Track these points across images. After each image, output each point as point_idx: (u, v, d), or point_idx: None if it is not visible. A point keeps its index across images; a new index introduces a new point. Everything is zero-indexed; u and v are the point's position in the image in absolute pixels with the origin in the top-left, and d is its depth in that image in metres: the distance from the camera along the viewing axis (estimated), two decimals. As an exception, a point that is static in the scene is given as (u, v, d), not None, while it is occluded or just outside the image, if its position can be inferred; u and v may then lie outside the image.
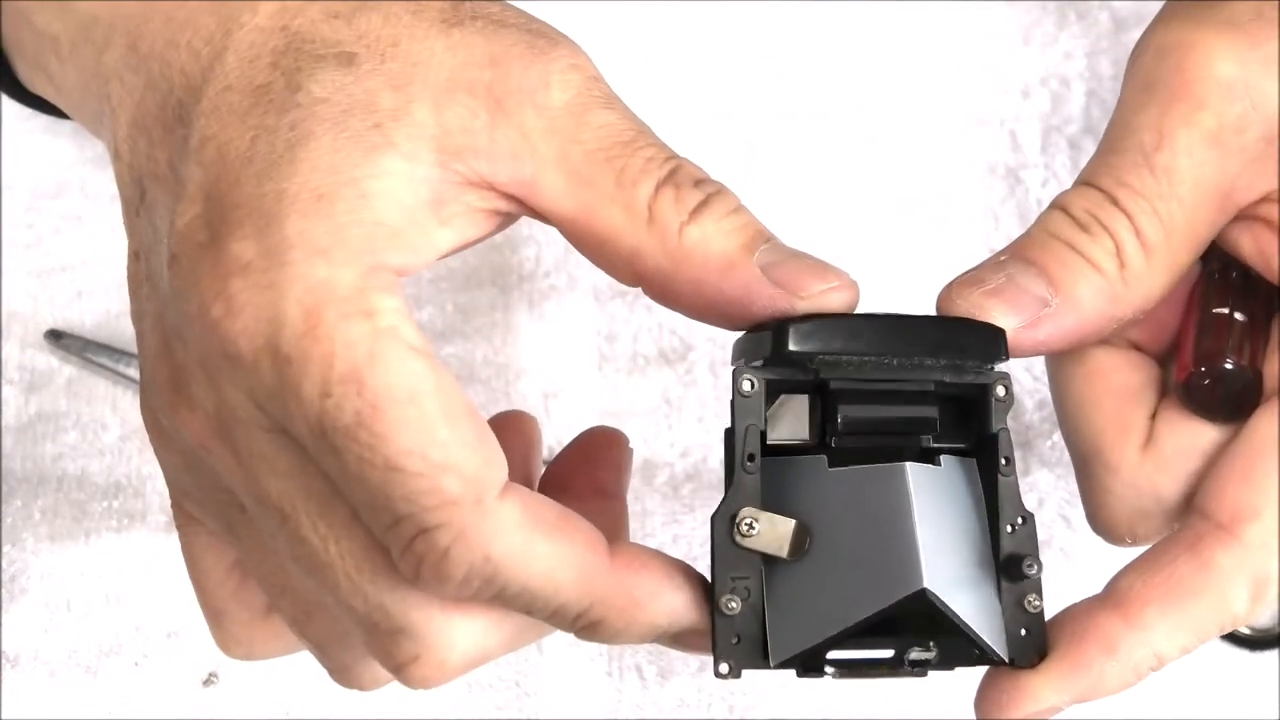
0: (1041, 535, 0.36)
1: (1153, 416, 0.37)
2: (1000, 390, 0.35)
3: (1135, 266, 0.35)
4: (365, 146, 0.32)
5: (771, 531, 0.33)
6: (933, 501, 0.34)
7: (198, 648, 0.51)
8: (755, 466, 0.34)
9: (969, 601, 0.34)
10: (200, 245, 0.31)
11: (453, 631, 0.33)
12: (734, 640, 0.34)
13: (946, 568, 0.33)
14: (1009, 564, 0.35)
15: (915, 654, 0.34)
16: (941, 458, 0.35)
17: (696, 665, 0.51)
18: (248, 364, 0.31)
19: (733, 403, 0.34)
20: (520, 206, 0.34)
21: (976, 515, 0.35)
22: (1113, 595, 0.35)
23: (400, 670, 0.34)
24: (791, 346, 0.33)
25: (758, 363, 0.34)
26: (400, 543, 0.31)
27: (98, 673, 0.51)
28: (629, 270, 0.34)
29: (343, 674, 0.37)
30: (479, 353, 0.54)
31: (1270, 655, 0.51)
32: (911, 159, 0.54)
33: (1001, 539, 0.35)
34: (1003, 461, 0.35)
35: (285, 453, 0.32)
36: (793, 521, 0.34)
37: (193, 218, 0.32)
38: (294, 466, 0.32)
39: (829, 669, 0.34)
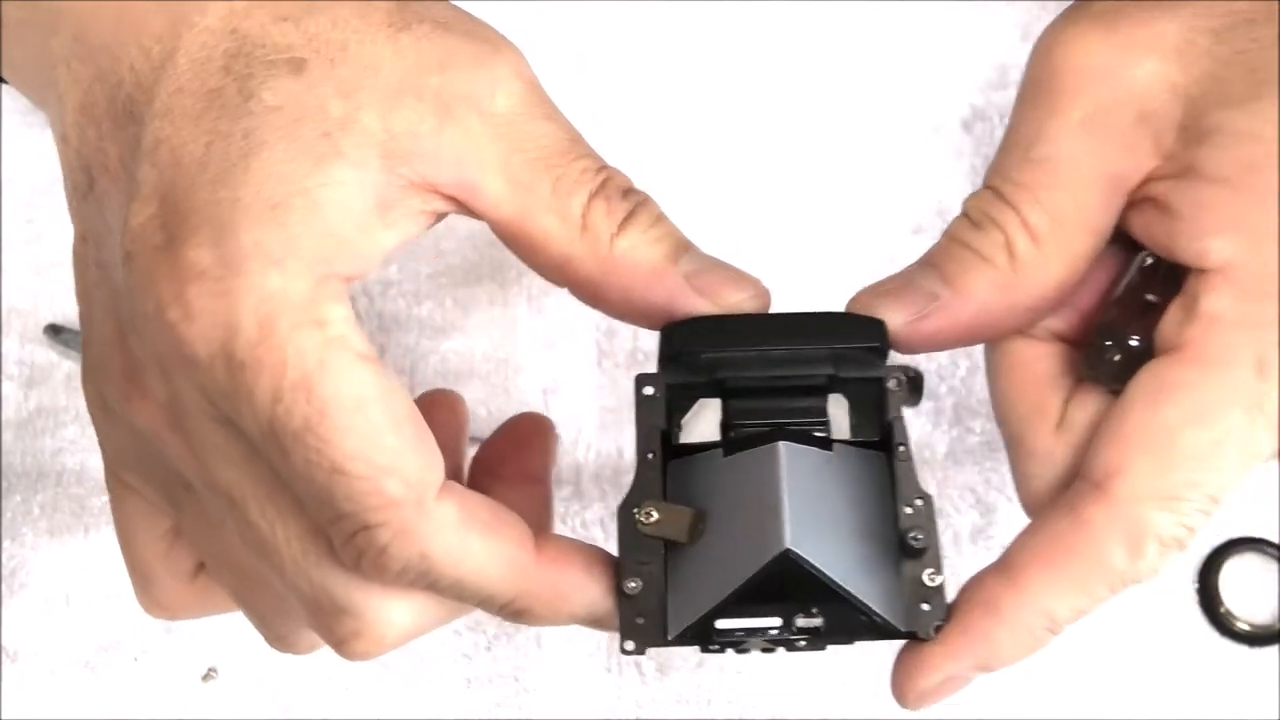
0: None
1: (1068, 400, 0.38)
2: (893, 382, 0.37)
3: (1026, 256, 0.36)
4: (315, 156, 0.33)
5: (669, 519, 0.36)
6: (813, 480, 0.36)
7: (196, 644, 0.51)
8: (655, 462, 0.36)
9: (864, 579, 0.35)
10: (156, 248, 0.32)
11: (391, 611, 0.35)
12: (638, 620, 0.36)
13: (825, 540, 0.35)
14: (904, 542, 0.36)
15: (801, 621, 0.35)
16: (836, 445, 0.37)
17: (695, 662, 0.51)
18: (203, 366, 0.32)
19: (636, 406, 0.37)
20: (459, 207, 0.35)
21: (880, 504, 0.37)
22: (1001, 561, 0.36)
23: (341, 644, 0.35)
24: (675, 347, 0.36)
25: (657, 369, 0.37)
26: (342, 536, 0.33)
27: (97, 668, 0.51)
28: (560, 274, 0.36)
29: (280, 641, 0.38)
30: (478, 348, 0.54)
31: (1269, 652, 0.51)
32: (912, 157, 0.54)
33: (900, 520, 0.36)
34: (899, 447, 0.36)
35: (235, 444, 0.33)
36: (689, 510, 0.36)
37: (147, 219, 0.33)
38: (243, 457, 0.33)
39: (720, 640, 0.35)
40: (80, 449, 0.53)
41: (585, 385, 0.53)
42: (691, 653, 0.50)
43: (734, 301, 0.36)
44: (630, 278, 0.35)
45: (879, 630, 0.35)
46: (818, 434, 0.37)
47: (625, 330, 0.53)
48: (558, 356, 0.53)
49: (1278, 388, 0.33)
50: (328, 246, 0.33)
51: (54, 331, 0.53)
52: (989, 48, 0.55)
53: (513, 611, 0.35)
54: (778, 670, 0.51)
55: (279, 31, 0.34)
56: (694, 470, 0.37)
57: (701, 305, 0.35)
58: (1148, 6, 0.36)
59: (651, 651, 0.48)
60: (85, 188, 0.35)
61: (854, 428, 0.38)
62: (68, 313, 0.54)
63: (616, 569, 0.36)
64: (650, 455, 0.36)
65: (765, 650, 0.36)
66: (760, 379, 0.37)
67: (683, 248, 0.36)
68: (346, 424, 0.32)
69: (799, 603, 0.35)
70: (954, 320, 0.37)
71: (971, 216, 0.37)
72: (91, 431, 0.49)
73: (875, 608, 0.35)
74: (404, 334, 0.54)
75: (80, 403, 0.53)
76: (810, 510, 0.35)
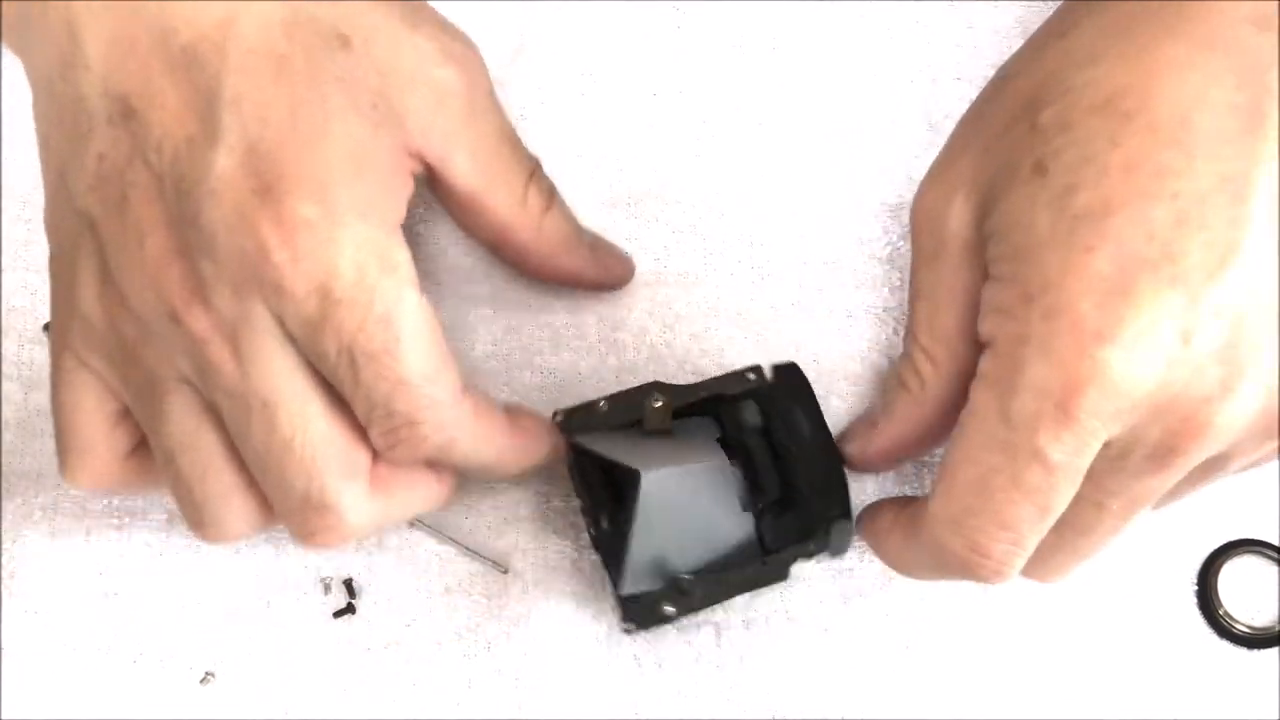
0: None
1: None
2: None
3: (928, 376, 0.45)
4: (372, 122, 0.41)
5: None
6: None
7: (195, 645, 0.51)
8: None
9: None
10: (254, 192, 0.39)
11: (367, 509, 0.43)
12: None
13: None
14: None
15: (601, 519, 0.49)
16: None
17: (692, 657, 0.51)
18: (298, 297, 0.39)
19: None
20: (429, 175, 0.44)
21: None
22: (868, 529, 0.48)
23: (311, 535, 0.43)
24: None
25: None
26: (388, 427, 0.42)
27: (96, 670, 0.51)
28: (498, 237, 0.47)
29: (207, 526, 0.44)
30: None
31: (1269, 654, 0.51)
32: (912, 155, 0.54)
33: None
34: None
35: (286, 359, 0.41)
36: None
37: (235, 165, 0.39)
38: (291, 370, 0.41)
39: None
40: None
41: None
42: (689, 648, 0.51)
43: (616, 269, 0.52)
44: (552, 245, 0.48)
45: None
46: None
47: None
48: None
49: (1025, 437, 0.39)
50: (391, 201, 0.42)
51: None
52: (992, 47, 0.55)
53: (491, 473, 0.46)
54: (777, 666, 0.51)
55: (323, 10, 0.41)
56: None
57: (596, 269, 0.50)
58: (956, 147, 0.44)
59: (649, 645, 0.49)
60: (119, 115, 0.40)
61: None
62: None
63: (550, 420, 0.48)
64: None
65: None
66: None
67: (580, 225, 0.50)
68: (412, 348, 0.40)
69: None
70: (890, 438, 0.47)
71: (900, 356, 0.46)
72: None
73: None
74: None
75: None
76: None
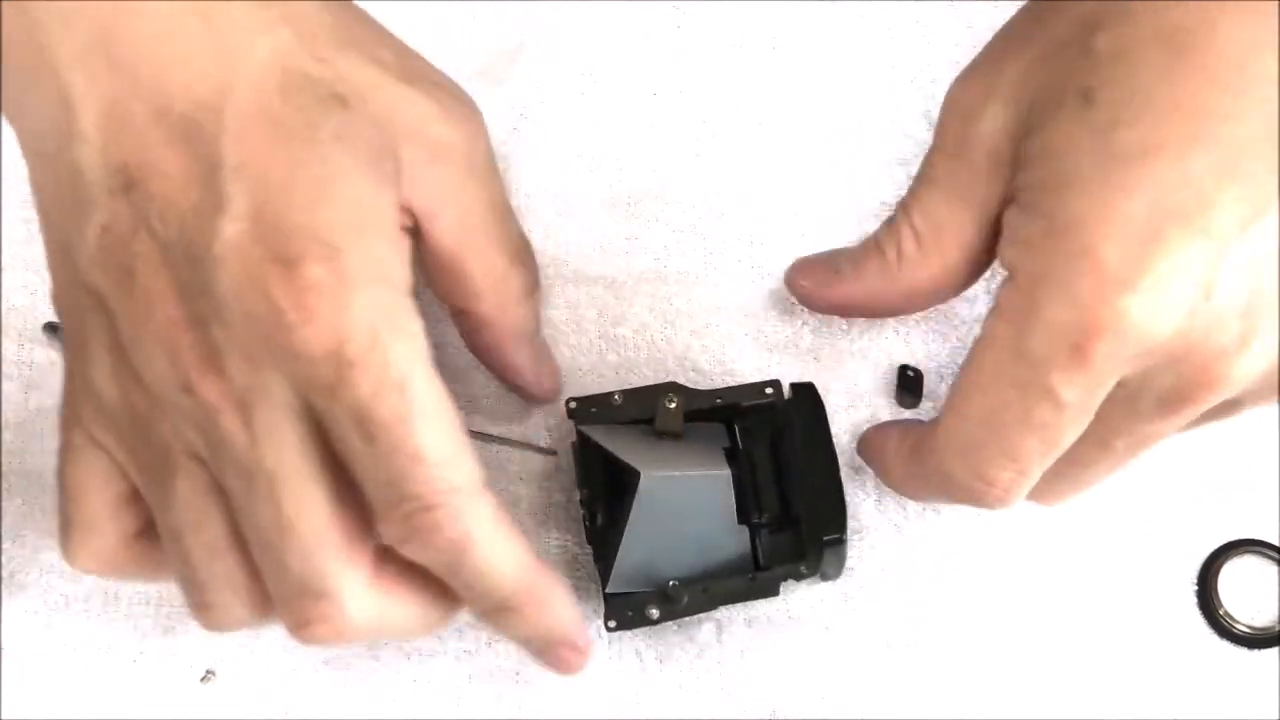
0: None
1: None
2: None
3: (908, 254, 0.45)
4: (374, 179, 0.40)
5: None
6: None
7: (195, 645, 0.51)
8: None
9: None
10: (263, 258, 0.38)
11: (366, 604, 0.40)
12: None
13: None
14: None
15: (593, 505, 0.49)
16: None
17: (694, 653, 0.51)
18: (312, 361, 0.38)
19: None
20: (415, 230, 0.43)
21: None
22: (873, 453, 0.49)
23: (305, 625, 0.40)
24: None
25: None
26: (400, 513, 0.39)
27: (96, 670, 0.51)
28: (462, 302, 0.46)
29: (209, 610, 0.42)
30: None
31: (1269, 654, 0.51)
32: (912, 155, 0.54)
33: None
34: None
35: (297, 433, 0.39)
36: None
37: (241, 232, 0.38)
38: (300, 445, 0.39)
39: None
40: (80, 449, 0.53)
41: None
42: (691, 644, 0.51)
43: (546, 387, 0.51)
44: (512, 332, 0.48)
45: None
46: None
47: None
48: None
49: (1038, 375, 0.39)
50: (399, 260, 0.40)
51: (52, 330, 0.53)
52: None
53: (501, 609, 0.41)
54: (777, 663, 0.51)
55: (318, 70, 0.40)
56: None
57: (533, 374, 0.50)
58: (1005, 50, 0.43)
59: (650, 640, 0.49)
60: (120, 187, 0.39)
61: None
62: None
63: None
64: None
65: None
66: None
67: (536, 328, 0.50)
68: (427, 423, 0.38)
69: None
70: (845, 294, 0.47)
71: (886, 221, 0.46)
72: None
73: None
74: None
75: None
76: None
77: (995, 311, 0.41)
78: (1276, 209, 0.38)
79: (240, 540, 0.41)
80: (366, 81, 0.41)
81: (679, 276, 0.53)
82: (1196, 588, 0.51)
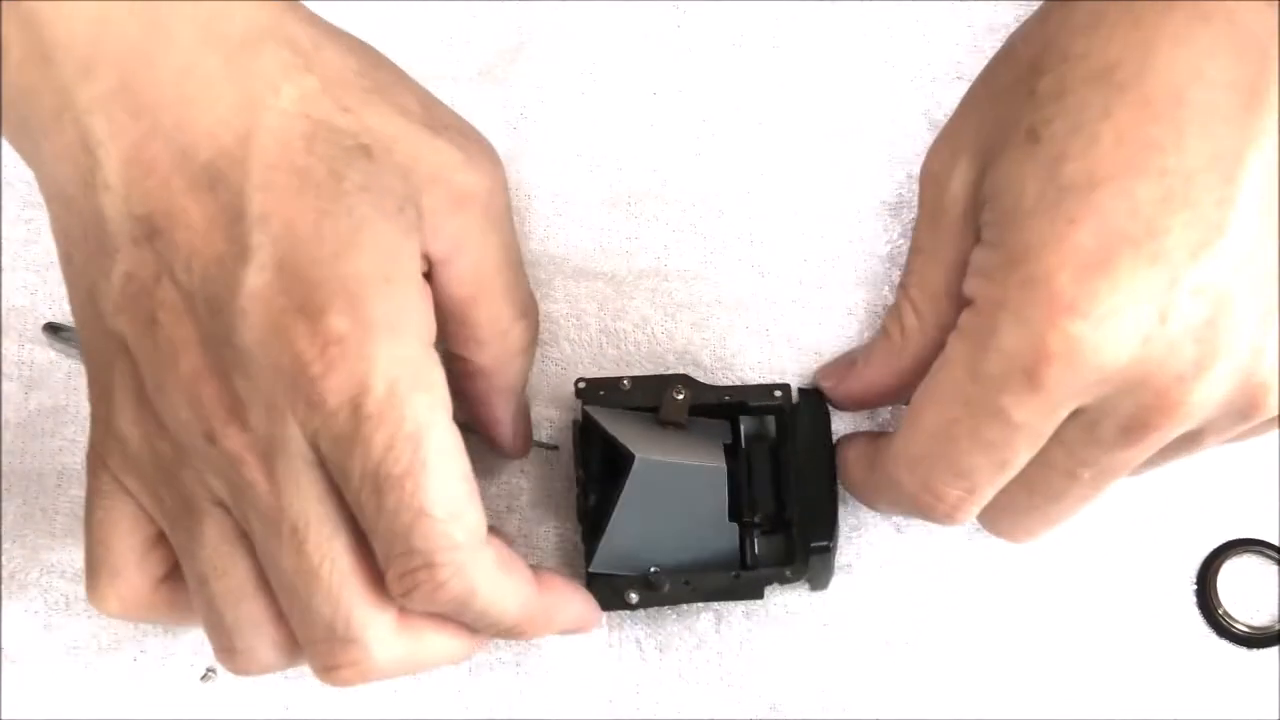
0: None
1: None
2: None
3: (910, 327, 0.46)
4: (400, 228, 0.40)
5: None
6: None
7: (196, 644, 0.51)
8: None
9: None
10: (287, 309, 0.38)
11: (394, 646, 0.41)
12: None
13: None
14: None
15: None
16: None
17: (694, 642, 0.51)
18: (329, 411, 0.38)
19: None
20: (428, 275, 0.42)
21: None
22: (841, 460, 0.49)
23: (333, 670, 0.40)
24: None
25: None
26: (404, 569, 0.39)
27: (97, 669, 0.51)
28: (464, 351, 0.45)
29: (236, 655, 0.42)
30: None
31: (1269, 654, 0.51)
32: (912, 155, 0.54)
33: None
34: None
35: (317, 483, 0.39)
36: None
37: (266, 283, 0.38)
38: (320, 494, 0.39)
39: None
40: (81, 449, 0.53)
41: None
42: (690, 634, 0.51)
43: (517, 447, 0.50)
44: (503, 386, 0.47)
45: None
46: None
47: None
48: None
49: (990, 395, 0.40)
50: (422, 310, 0.40)
51: (53, 330, 0.53)
52: (991, 46, 0.55)
53: (512, 632, 0.43)
54: (775, 656, 0.51)
55: (343, 120, 0.40)
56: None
57: (509, 436, 0.49)
58: (965, 111, 0.45)
59: (650, 630, 0.51)
60: (144, 236, 0.39)
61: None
62: (67, 311, 0.53)
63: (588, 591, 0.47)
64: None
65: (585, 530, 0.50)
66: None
67: (525, 384, 0.49)
68: (439, 475, 0.38)
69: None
70: (865, 382, 0.48)
71: (890, 307, 0.47)
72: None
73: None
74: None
75: (80, 401, 0.53)
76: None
77: (957, 332, 0.42)
78: (1228, 237, 0.38)
79: (266, 585, 0.41)
80: (391, 131, 0.41)
81: (679, 275, 0.53)
82: (1196, 587, 0.51)
